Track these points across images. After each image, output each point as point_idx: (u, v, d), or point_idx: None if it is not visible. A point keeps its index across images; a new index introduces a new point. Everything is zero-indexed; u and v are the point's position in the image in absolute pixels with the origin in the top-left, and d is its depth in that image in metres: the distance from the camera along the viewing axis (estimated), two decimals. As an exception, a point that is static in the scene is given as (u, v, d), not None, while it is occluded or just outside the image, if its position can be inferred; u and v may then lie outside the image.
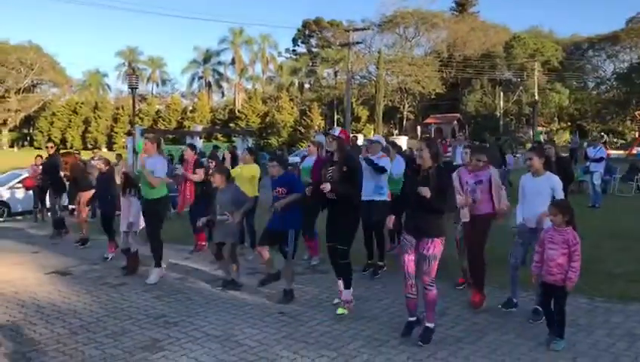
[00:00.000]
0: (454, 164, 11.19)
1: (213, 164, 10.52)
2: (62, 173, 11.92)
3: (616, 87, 64.53)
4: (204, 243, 9.59)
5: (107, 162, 9.65)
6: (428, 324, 5.25)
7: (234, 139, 47.82)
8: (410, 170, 5.62)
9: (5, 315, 6.33)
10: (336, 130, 6.25)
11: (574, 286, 5.12)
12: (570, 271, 5.00)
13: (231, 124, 62.27)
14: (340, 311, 6.00)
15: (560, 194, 5.78)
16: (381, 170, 7.56)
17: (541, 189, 5.84)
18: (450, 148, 17.40)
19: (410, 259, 5.30)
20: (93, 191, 10.89)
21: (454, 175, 6.38)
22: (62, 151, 15.10)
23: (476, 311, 6.14)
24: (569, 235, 5.08)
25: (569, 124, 64.06)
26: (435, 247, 5.16)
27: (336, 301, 6.33)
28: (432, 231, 5.17)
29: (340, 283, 6.19)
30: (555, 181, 5.87)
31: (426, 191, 5.03)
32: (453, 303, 6.41)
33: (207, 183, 9.58)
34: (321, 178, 6.18)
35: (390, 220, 5.70)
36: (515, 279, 6.06)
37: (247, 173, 8.99)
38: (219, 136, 56.02)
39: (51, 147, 12.53)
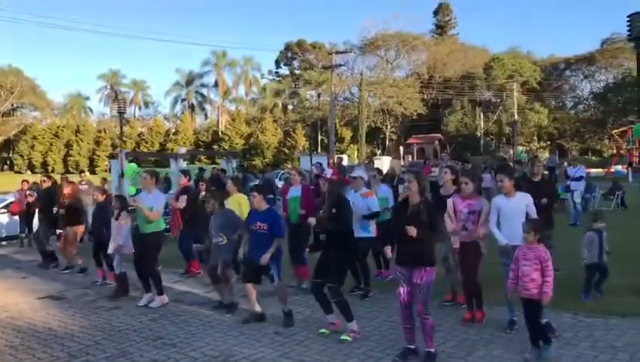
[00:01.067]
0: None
1: (204, 186, 10.66)
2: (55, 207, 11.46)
3: (594, 107, 66.04)
4: (198, 271, 9.63)
5: (103, 191, 9.70)
6: (429, 350, 5.37)
7: (218, 161, 47.99)
8: (398, 204, 5.84)
9: (3, 340, 6.40)
10: (329, 173, 6.45)
11: (550, 300, 5.33)
12: (545, 285, 5.26)
13: (214, 146, 62.38)
14: (344, 337, 6.05)
15: (533, 212, 6.12)
16: (375, 216, 7.84)
17: (517, 209, 6.15)
18: (434, 169, 17.79)
19: (405, 292, 5.48)
20: (82, 226, 10.88)
21: (448, 202, 6.61)
22: (58, 178, 14.63)
23: (464, 326, 6.35)
24: (541, 252, 5.34)
25: (548, 142, 65.25)
26: (428, 276, 5.34)
27: (322, 331, 6.34)
28: (423, 260, 5.35)
29: (331, 317, 6.31)
30: (529, 199, 6.22)
31: (412, 231, 5.26)
32: (444, 319, 6.60)
33: (194, 208, 9.72)
34: (312, 206, 6.36)
35: (388, 251, 5.87)
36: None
37: (232, 205, 8.35)
38: (202, 158, 56.07)
39: (44, 181, 12.11)
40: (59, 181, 12.76)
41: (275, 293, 6.84)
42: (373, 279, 8.36)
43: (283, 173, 30.14)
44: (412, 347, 5.54)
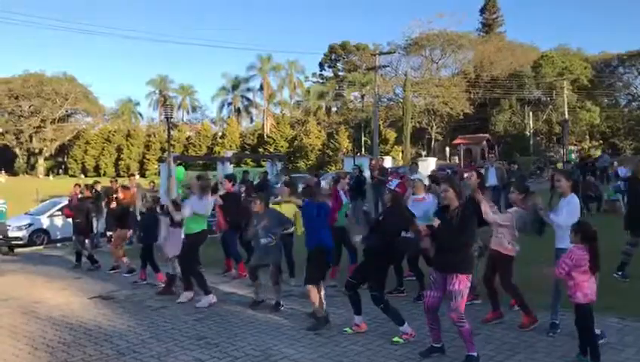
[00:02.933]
0: (487, 185, 11.33)
1: (244, 188, 10.88)
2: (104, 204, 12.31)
3: (649, 104, 63.67)
4: (244, 274, 9.82)
5: (156, 199, 10.16)
6: (470, 354, 5.32)
7: (263, 164, 48.44)
8: (439, 209, 5.85)
9: (56, 337, 6.71)
10: (394, 183, 6.41)
11: (552, 273, 5.36)
12: (558, 268, 5.21)
13: (260, 149, 63.07)
14: (396, 339, 6.08)
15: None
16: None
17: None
18: (480, 170, 17.52)
19: (431, 296, 5.49)
20: (130, 231, 11.27)
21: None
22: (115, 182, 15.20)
23: (505, 329, 6.28)
24: (580, 255, 5.20)
25: (601, 142, 63.23)
26: (461, 283, 5.28)
27: (346, 329, 6.46)
28: (456, 267, 5.32)
29: (358, 318, 6.44)
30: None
31: (425, 244, 5.35)
32: (498, 322, 6.55)
33: (237, 209, 9.99)
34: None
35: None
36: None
37: (286, 212, 8.24)
38: (248, 161, 56.78)
39: (78, 191, 12.93)
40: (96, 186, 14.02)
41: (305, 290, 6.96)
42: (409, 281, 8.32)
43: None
44: (437, 346, 5.55)
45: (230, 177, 10.95)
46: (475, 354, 5.32)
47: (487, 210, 6.35)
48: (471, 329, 5.40)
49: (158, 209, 9.62)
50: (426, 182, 8.83)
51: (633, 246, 8.48)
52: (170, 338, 6.53)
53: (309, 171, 42.66)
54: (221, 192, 10.44)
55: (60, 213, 18.01)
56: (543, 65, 60.88)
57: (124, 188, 12.66)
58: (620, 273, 8.35)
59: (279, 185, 9.23)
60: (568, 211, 5.90)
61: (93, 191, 14.31)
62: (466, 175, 8.39)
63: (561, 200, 6.08)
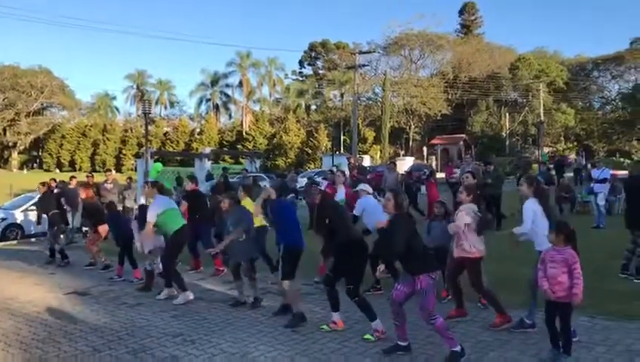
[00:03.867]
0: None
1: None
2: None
3: (622, 107, 64.92)
4: (222, 268, 9.81)
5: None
6: (453, 349, 5.37)
7: (242, 161, 48.41)
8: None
9: (30, 333, 6.63)
10: (323, 184, 6.58)
11: (581, 303, 5.31)
12: (575, 287, 5.23)
13: (238, 146, 62.89)
14: (367, 336, 6.14)
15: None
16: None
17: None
18: (456, 170, 17.71)
19: (397, 289, 5.59)
20: (106, 225, 11.11)
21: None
22: (75, 180, 15.16)
23: (479, 328, 6.38)
24: (567, 254, 5.33)
25: (575, 143, 64.27)
26: (422, 283, 5.39)
27: (322, 326, 6.53)
28: (414, 269, 5.46)
29: (335, 315, 6.50)
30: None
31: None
32: (461, 320, 6.64)
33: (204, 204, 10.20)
34: None
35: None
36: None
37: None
38: (227, 157, 56.57)
39: (48, 183, 12.77)
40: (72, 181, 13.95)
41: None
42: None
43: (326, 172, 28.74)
44: (403, 344, 5.63)
45: (192, 178, 10.93)
46: (457, 348, 5.36)
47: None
48: (445, 323, 5.47)
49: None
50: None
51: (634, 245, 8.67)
52: (146, 334, 6.50)
53: (288, 169, 42.70)
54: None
55: (34, 207, 17.77)
56: (520, 68, 61.75)
57: (85, 185, 12.38)
58: (627, 272, 8.59)
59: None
60: (528, 217, 6.13)
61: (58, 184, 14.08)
62: (455, 173, 8.53)
63: (523, 207, 6.27)
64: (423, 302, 5.39)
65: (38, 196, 13.21)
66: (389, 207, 5.69)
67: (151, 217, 8.02)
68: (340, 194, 9.08)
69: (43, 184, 12.44)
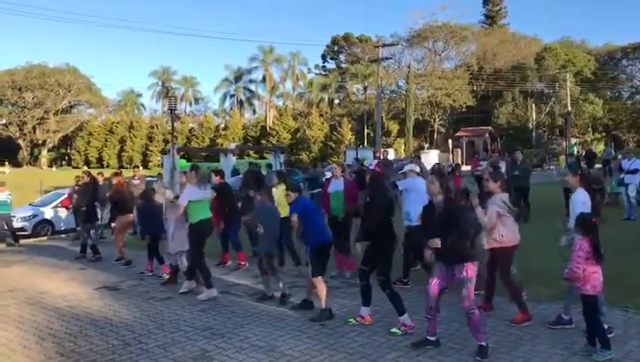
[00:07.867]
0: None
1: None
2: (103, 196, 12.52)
3: (652, 96, 63.46)
4: (243, 263, 9.90)
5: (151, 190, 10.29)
6: (480, 343, 5.35)
7: (266, 155, 48.54)
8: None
9: (63, 328, 6.76)
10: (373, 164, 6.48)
11: (572, 277, 5.30)
12: (569, 269, 5.26)
13: (262, 141, 63.08)
14: (394, 330, 6.12)
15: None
16: None
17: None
18: (481, 163, 17.55)
19: (434, 283, 5.51)
20: (131, 215, 11.26)
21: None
22: (103, 172, 15.42)
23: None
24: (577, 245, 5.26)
25: (604, 134, 63.14)
26: (467, 271, 5.34)
27: (349, 319, 6.51)
28: (460, 256, 5.36)
29: (364, 310, 6.48)
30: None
31: (435, 243, 5.40)
32: (489, 314, 6.57)
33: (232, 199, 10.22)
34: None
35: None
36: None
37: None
38: (251, 153, 56.80)
39: (83, 176, 12.83)
40: (99, 177, 13.77)
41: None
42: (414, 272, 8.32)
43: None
44: (432, 339, 5.59)
45: (217, 172, 10.97)
46: (484, 343, 5.34)
47: (480, 214, 6.35)
48: (481, 317, 5.44)
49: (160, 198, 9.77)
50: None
51: None
52: (175, 328, 6.57)
53: (312, 163, 42.70)
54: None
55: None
56: (546, 58, 60.72)
57: (117, 173, 13.05)
58: None
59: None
60: (578, 209, 5.90)
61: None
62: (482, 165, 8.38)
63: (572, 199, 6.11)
64: (467, 291, 5.33)
65: (76, 187, 13.46)
66: (433, 190, 5.59)
67: (183, 200, 8.14)
68: (337, 186, 8.94)
69: (87, 174, 12.76)
